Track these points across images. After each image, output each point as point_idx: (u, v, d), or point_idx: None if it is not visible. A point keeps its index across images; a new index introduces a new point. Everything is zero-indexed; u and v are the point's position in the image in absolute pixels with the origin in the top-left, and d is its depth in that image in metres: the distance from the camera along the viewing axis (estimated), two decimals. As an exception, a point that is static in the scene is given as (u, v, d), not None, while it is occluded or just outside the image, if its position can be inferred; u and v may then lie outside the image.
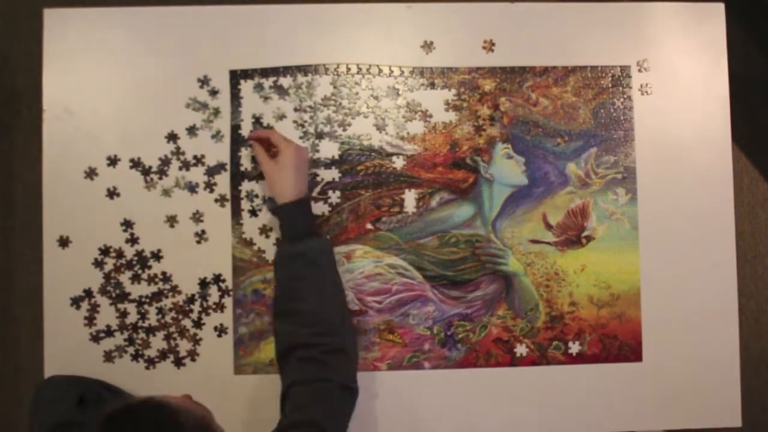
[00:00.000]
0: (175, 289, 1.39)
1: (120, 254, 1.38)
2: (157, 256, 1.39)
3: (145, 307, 1.38)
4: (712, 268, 1.44)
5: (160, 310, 1.38)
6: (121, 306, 1.38)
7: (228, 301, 1.39)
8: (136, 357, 1.38)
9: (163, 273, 1.39)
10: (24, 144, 2.14)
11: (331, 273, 1.32)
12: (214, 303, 1.39)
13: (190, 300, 1.39)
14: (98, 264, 1.38)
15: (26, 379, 2.15)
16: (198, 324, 1.39)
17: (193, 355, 1.38)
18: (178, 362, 1.38)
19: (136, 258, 1.38)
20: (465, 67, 1.43)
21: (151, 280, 1.38)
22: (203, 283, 1.39)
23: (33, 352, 2.10)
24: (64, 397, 1.24)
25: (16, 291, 2.15)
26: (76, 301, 1.37)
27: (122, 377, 1.37)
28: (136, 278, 1.38)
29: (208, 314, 1.39)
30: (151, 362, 1.38)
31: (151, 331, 1.38)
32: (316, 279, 1.28)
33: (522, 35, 1.44)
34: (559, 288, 1.42)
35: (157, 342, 1.38)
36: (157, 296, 1.38)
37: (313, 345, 1.23)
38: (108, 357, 1.38)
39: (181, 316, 1.38)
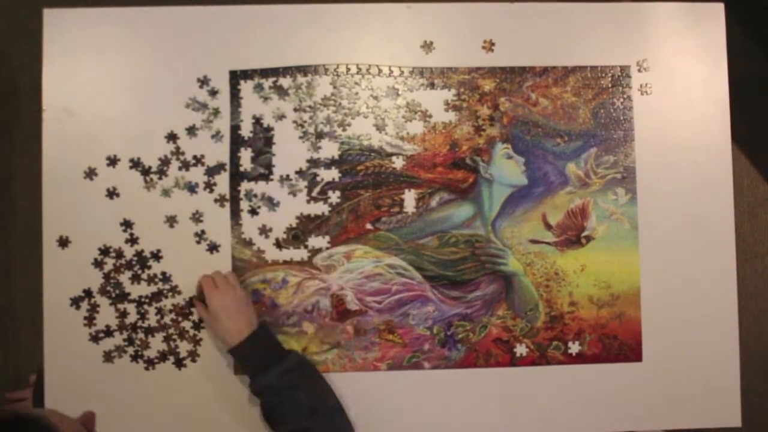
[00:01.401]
0: (174, 290, 1.39)
1: (120, 254, 1.38)
2: (156, 256, 1.39)
3: (145, 307, 1.38)
4: (712, 268, 1.44)
5: (159, 311, 1.38)
6: (120, 306, 1.38)
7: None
8: (135, 358, 1.38)
9: (163, 273, 1.39)
10: (24, 144, 2.14)
11: (307, 386, 1.30)
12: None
13: (190, 301, 1.38)
14: (98, 264, 1.38)
15: (26, 380, 2.14)
16: (198, 325, 1.39)
17: (193, 355, 1.38)
18: (179, 363, 1.38)
19: (135, 258, 1.38)
20: (465, 67, 1.43)
21: (151, 280, 1.38)
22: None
23: (33, 352, 2.10)
24: None
25: (16, 291, 2.15)
26: (75, 301, 1.37)
27: (122, 378, 1.37)
28: (135, 278, 1.38)
29: (207, 314, 1.39)
30: (150, 363, 1.38)
31: (150, 331, 1.38)
32: (290, 400, 1.27)
33: (522, 35, 1.44)
34: (558, 288, 1.42)
35: (157, 343, 1.38)
36: (157, 296, 1.38)
37: None
38: (107, 357, 1.38)
39: (180, 318, 1.38)
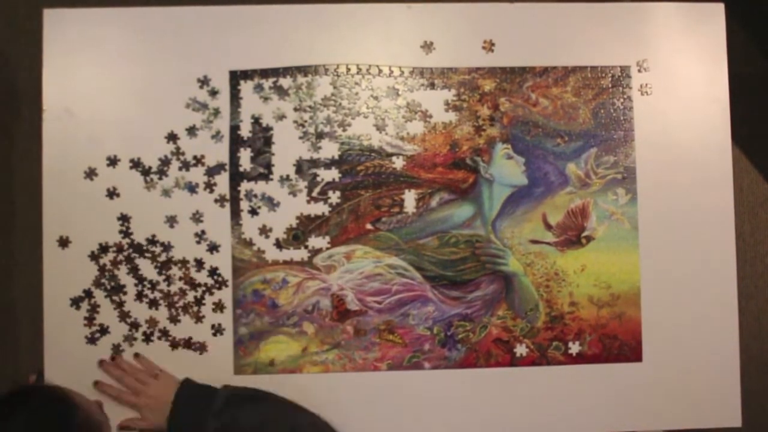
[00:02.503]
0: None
1: (120, 254, 1.38)
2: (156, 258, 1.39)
3: (147, 307, 1.38)
4: (713, 268, 1.44)
5: (158, 310, 1.38)
6: (121, 307, 1.38)
7: (228, 302, 1.39)
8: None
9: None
10: (24, 144, 2.14)
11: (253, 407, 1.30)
12: (214, 303, 1.39)
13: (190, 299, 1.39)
14: (98, 264, 1.38)
15: (26, 380, 2.14)
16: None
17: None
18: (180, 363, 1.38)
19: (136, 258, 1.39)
20: (465, 68, 1.43)
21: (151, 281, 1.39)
22: (204, 284, 1.39)
23: (33, 352, 2.10)
24: None
25: (16, 291, 2.14)
26: (75, 302, 1.37)
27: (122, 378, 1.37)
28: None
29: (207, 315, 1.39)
30: (151, 362, 1.38)
31: (152, 332, 1.38)
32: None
33: (522, 35, 1.44)
34: (559, 288, 1.42)
35: (157, 343, 1.38)
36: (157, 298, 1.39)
37: None
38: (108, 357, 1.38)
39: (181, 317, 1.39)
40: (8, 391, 0.97)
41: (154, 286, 1.38)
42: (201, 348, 1.38)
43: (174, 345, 1.38)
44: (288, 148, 1.40)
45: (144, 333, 1.38)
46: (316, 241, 1.40)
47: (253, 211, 1.40)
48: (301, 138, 1.40)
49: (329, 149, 1.41)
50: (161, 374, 1.35)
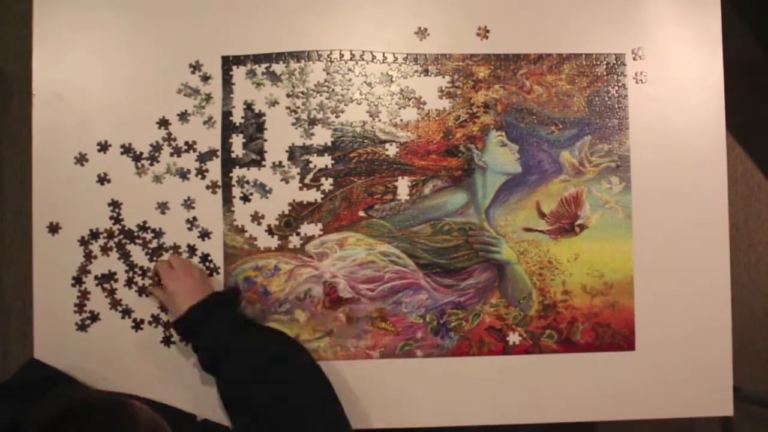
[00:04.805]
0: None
1: (110, 240, 1.37)
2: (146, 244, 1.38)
3: (137, 294, 1.37)
4: (706, 257, 1.44)
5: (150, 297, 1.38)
6: (111, 294, 1.37)
7: (219, 289, 1.38)
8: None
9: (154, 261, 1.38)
10: (13, 129, 2.13)
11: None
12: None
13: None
14: (88, 250, 1.37)
15: (15, 367, 2.14)
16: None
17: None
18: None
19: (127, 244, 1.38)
20: (459, 54, 1.42)
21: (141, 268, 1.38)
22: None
23: (22, 339, 2.09)
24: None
25: (5, 277, 2.14)
26: (65, 288, 1.36)
27: (113, 365, 1.36)
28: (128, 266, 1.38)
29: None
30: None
31: (142, 319, 1.37)
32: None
33: (516, 22, 1.43)
34: (552, 276, 1.42)
35: (149, 329, 1.37)
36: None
37: None
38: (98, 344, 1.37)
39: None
40: (59, 410, 0.92)
41: (145, 272, 1.37)
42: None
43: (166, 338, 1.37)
44: (280, 135, 1.39)
45: (134, 320, 1.37)
46: (308, 228, 1.39)
47: (245, 198, 1.39)
48: (293, 124, 1.40)
49: (322, 136, 1.40)
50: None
